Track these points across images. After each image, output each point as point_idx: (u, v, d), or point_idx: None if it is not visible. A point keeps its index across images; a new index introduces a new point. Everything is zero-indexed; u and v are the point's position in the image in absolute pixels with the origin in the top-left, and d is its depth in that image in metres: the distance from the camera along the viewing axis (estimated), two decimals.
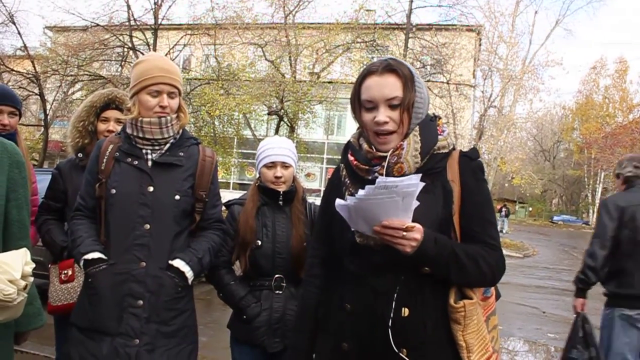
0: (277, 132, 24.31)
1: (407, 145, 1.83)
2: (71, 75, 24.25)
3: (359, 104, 1.91)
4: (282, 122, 24.41)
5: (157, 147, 2.45)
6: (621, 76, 49.21)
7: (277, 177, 2.88)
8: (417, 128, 1.87)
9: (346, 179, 1.97)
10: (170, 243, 2.41)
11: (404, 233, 1.68)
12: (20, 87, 25.17)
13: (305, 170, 30.01)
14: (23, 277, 1.97)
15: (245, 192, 3.11)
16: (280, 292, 2.84)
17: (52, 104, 25.69)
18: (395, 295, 1.79)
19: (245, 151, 28.48)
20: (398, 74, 1.85)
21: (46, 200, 3.09)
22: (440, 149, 1.88)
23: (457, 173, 1.88)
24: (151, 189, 2.39)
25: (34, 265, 2.07)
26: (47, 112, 25.33)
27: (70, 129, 3.10)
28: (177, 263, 2.39)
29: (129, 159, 2.43)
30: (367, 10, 25.11)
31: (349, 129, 27.80)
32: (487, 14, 29.36)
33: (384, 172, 1.81)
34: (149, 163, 2.44)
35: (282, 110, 23.42)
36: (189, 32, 24.90)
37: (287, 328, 2.80)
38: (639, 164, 4.04)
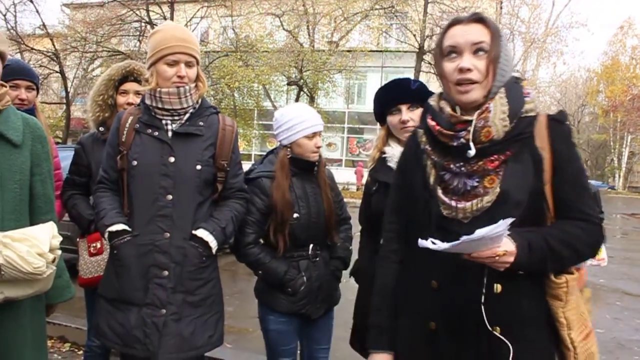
0: (297, 102, 24.24)
1: (494, 108, 1.69)
2: (90, 52, 24.38)
3: (441, 55, 1.78)
4: (301, 92, 24.32)
5: (176, 118, 2.44)
6: None
7: (318, 147, 2.84)
8: (502, 89, 1.73)
9: (426, 146, 1.83)
10: (193, 213, 2.41)
11: (497, 258, 1.59)
12: (40, 66, 25.41)
13: (327, 140, 29.95)
14: (51, 250, 2.01)
15: (257, 160, 3.05)
16: (317, 259, 2.85)
17: (73, 81, 25.91)
18: (487, 269, 1.67)
19: (265, 122, 28.48)
20: (486, 24, 1.73)
21: (71, 175, 3.12)
22: (527, 112, 1.74)
23: (547, 139, 1.72)
24: (172, 159, 2.38)
25: (61, 238, 2.11)
26: (69, 90, 25.57)
27: (90, 103, 3.10)
28: (201, 233, 2.39)
29: (149, 130, 2.43)
30: None
31: (370, 97, 27.67)
32: None
33: (471, 137, 1.69)
34: (169, 133, 2.43)
35: (302, 80, 23.34)
36: (206, 4, 24.77)
37: (327, 293, 2.87)
38: None
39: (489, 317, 1.67)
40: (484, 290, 1.68)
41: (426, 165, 1.82)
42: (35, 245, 1.94)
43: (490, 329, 1.67)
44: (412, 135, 1.98)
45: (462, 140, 1.71)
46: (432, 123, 1.81)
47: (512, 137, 1.70)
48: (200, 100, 2.51)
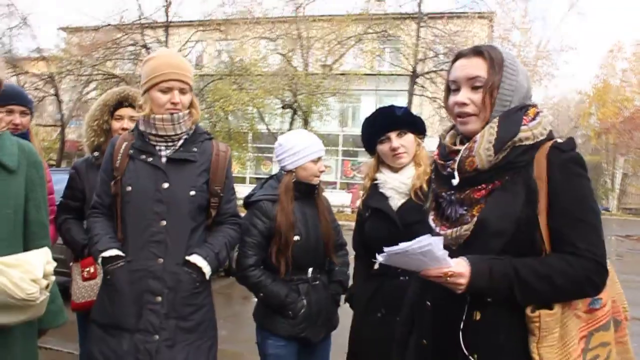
0: (291, 125, 24.33)
1: (480, 138, 1.71)
2: (85, 75, 24.46)
3: (447, 89, 1.86)
4: (295, 116, 24.41)
5: (170, 144, 2.46)
6: (639, 59, 48.49)
7: (321, 171, 2.91)
8: (496, 119, 1.73)
9: (432, 174, 1.94)
10: (187, 239, 2.43)
11: (447, 279, 1.63)
12: (35, 89, 25.46)
13: (322, 159, 29.95)
14: (45, 276, 2.01)
15: (255, 185, 3.10)
16: (317, 283, 2.87)
17: (68, 104, 25.93)
18: (468, 297, 1.70)
19: (260, 145, 28.54)
20: (484, 56, 1.76)
21: (65, 199, 3.13)
22: (523, 141, 1.70)
23: (544, 168, 1.69)
24: (166, 185, 2.40)
25: (55, 264, 2.11)
26: (63, 113, 25.58)
27: (85, 128, 3.13)
28: (194, 258, 2.40)
29: (143, 156, 2.45)
30: (378, 0, 25.02)
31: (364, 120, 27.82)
32: (498, 0, 29.12)
33: (456, 167, 1.73)
34: (163, 160, 2.45)
35: (296, 104, 23.44)
36: (201, 28, 25.02)
37: (326, 317, 2.89)
38: None
39: (467, 343, 1.69)
40: (464, 317, 1.72)
41: (429, 190, 1.94)
42: (29, 271, 1.93)
43: (467, 354, 1.69)
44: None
45: (449, 169, 1.77)
46: (435, 152, 1.89)
47: (502, 166, 1.71)
48: (194, 127, 2.54)
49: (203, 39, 25.77)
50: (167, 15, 24.55)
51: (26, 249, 2.16)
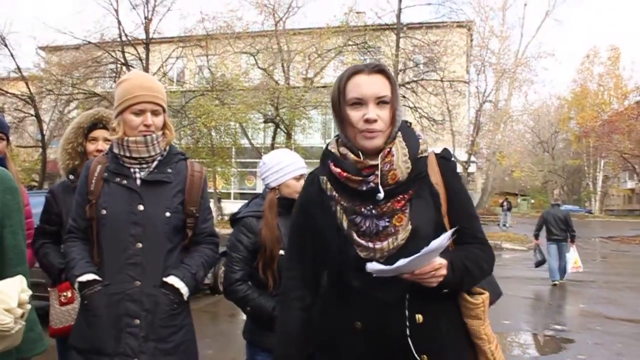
0: (274, 139, 24.37)
1: (396, 151, 1.81)
2: (66, 95, 24.39)
3: (343, 103, 1.84)
4: (278, 129, 24.45)
5: (144, 165, 2.46)
6: (614, 63, 49.27)
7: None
8: (399, 133, 1.86)
9: (333, 192, 1.87)
10: (164, 260, 2.42)
11: (433, 273, 1.69)
12: (15, 109, 25.30)
13: (305, 176, 29.95)
14: (20, 305, 1.96)
15: (244, 202, 3.15)
16: None
17: (49, 124, 25.78)
18: (407, 303, 1.79)
19: (243, 160, 28.52)
20: (386, 75, 1.84)
21: (41, 224, 3.10)
22: (422, 153, 1.87)
23: (439, 175, 1.89)
24: (141, 207, 2.39)
25: (30, 292, 2.07)
26: (44, 133, 25.41)
27: (59, 151, 3.11)
28: (172, 280, 2.40)
29: (118, 179, 2.44)
30: (357, 13, 25.26)
31: None
32: (477, 9, 29.62)
33: (379, 181, 1.77)
34: (138, 182, 2.44)
35: (278, 118, 23.49)
36: (181, 44, 25.01)
37: None
38: None
39: (415, 347, 1.77)
40: (407, 323, 1.78)
41: (336, 211, 1.86)
42: (2, 301, 1.90)
43: (418, 358, 1.77)
44: (312, 181, 2.02)
45: (371, 184, 1.78)
46: (337, 170, 1.85)
47: (414, 177, 1.81)
48: (168, 147, 2.54)
49: (184, 55, 25.79)
50: (147, 33, 24.54)
51: (2, 275, 2.13)
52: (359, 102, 1.81)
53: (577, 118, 49.13)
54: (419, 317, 1.79)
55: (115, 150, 2.47)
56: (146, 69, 23.94)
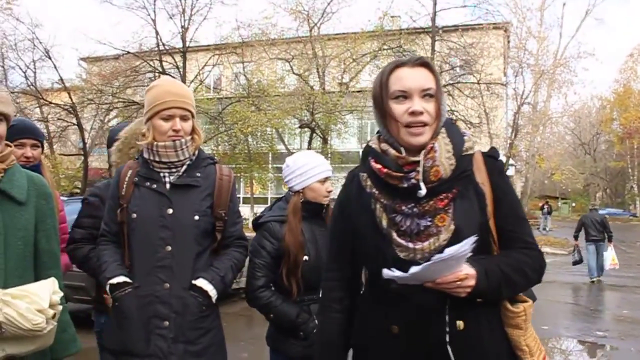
0: (310, 144, 24.42)
1: (439, 147, 1.73)
2: (106, 104, 24.93)
3: (386, 97, 1.78)
4: (314, 134, 24.50)
5: (174, 170, 2.50)
6: None
7: (329, 191, 2.91)
8: (443, 129, 1.79)
9: (373, 189, 1.81)
10: (193, 263, 2.45)
11: (459, 283, 1.62)
12: (58, 119, 26.01)
13: (342, 181, 29.99)
14: (51, 306, 2.03)
15: (266, 206, 3.12)
16: None
17: (90, 132, 26.38)
18: (448, 308, 1.70)
19: (280, 165, 28.45)
20: (430, 68, 1.79)
21: (86, 229, 3.01)
22: (467, 150, 1.79)
23: (485, 174, 1.80)
24: (170, 211, 2.43)
25: (61, 294, 2.14)
26: (86, 141, 26.03)
27: (118, 154, 3.04)
28: (200, 282, 2.43)
29: (148, 183, 2.49)
30: (392, 17, 25.13)
31: None
32: (513, 10, 29.13)
33: (421, 177, 1.70)
34: (167, 186, 2.48)
35: (314, 123, 23.54)
36: (217, 52, 25.29)
37: None
38: None
39: (455, 355, 1.69)
40: (447, 329, 1.70)
41: (375, 209, 1.80)
42: (34, 302, 1.97)
43: None
44: (352, 179, 1.96)
45: (413, 181, 1.71)
46: (377, 166, 1.79)
47: (458, 175, 1.74)
48: (197, 152, 2.57)
49: (220, 63, 26.07)
50: (183, 41, 24.94)
51: (37, 278, 2.20)
52: (404, 95, 1.75)
53: (620, 119, 47.96)
54: (460, 324, 1.70)
55: (146, 155, 2.52)
56: (183, 77, 24.35)
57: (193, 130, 2.54)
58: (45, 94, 26.16)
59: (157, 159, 2.48)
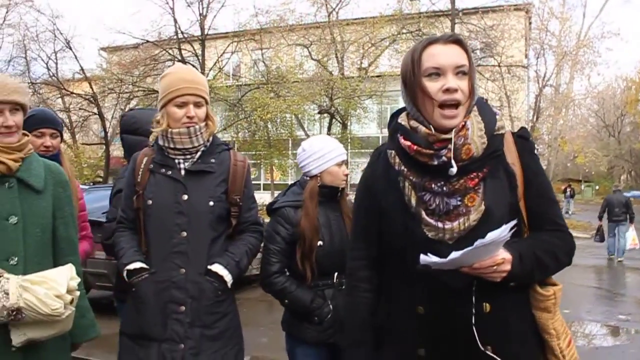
0: (329, 130, 24.39)
1: (471, 125, 1.70)
2: (127, 92, 25.10)
3: (418, 74, 1.72)
4: (333, 120, 24.47)
5: (188, 156, 2.52)
6: None
7: (346, 175, 2.91)
8: (474, 107, 1.75)
9: (402, 167, 1.76)
10: (208, 248, 2.47)
11: (495, 267, 1.60)
12: (80, 109, 26.29)
13: (362, 166, 30.00)
14: (69, 291, 2.08)
15: (280, 192, 3.11)
16: (343, 287, 2.79)
17: (111, 121, 26.63)
18: (474, 290, 1.67)
19: None
20: (463, 45, 1.74)
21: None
22: (499, 130, 1.75)
23: (516, 155, 1.77)
24: (185, 197, 2.45)
25: (79, 279, 2.19)
26: (107, 130, 26.30)
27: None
28: (216, 268, 2.45)
29: (163, 170, 2.51)
30: (411, 0, 24.87)
31: None
32: None
33: (452, 155, 1.66)
34: (182, 172, 2.50)
35: (333, 108, 23.49)
36: (236, 39, 25.30)
37: None
38: None
39: (481, 337, 1.66)
40: (473, 311, 1.68)
41: (404, 187, 1.76)
42: (53, 288, 2.01)
43: (482, 349, 1.66)
44: (378, 157, 1.92)
45: (444, 158, 1.68)
46: (407, 143, 1.74)
47: (489, 154, 1.70)
48: (211, 138, 2.59)
49: (239, 50, 26.09)
50: (202, 29, 24.99)
51: (56, 264, 2.25)
52: (437, 73, 1.70)
53: None
54: (487, 306, 1.68)
55: (160, 142, 2.54)
56: (202, 65, 24.44)
57: (207, 117, 2.54)
58: (66, 84, 26.46)
59: (171, 145, 2.50)
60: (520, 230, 1.75)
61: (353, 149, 24.29)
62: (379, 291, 1.92)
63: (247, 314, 6.46)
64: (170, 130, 2.48)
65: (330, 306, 2.78)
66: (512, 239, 1.63)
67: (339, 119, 24.37)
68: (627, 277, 11.61)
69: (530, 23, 28.03)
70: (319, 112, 24.96)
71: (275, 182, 27.41)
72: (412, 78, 1.74)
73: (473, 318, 1.67)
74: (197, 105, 2.49)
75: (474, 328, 1.67)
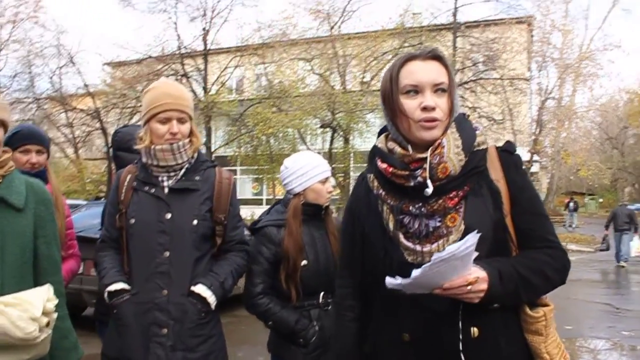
0: (331, 144, 24.36)
1: (447, 143, 1.64)
2: (129, 107, 25.16)
3: (396, 92, 1.69)
4: (335, 134, 24.45)
5: (172, 174, 2.46)
6: None
7: (330, 192, 2.85)
8: (452, 124, 1.69)
9: (380, 190, 1.74)
10: (192, 269, 2.41)
11: (469, 287, 1.52)
12: (83, 124, 26.39)
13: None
14: (45, 313, 2.00)
15: (264, 211, 3.05)
16: (328, 308, 2.76)
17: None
18: (461, 314, 1.61)
19: None
20: (443, 62, 1.70)
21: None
22: (479, 145, 1.70)
23: (500, 170, 1.71)
24: (169, 215, 2.40)
25: (56, 301, 2.11)
26: (110, 146, 26.33)
27: None
28: (199, 289, 2.38)
29: (146, 188, 2.45)
30: (413, 14, 24.94)
31: None
32: (537, 3, 28.65)
33: (427, 174, 1.62)
34: (165, 190, 2.45)
35: (335, 122, 23.47)
36: (239, 53, 25.41)
37: None
38: None
39: None
40: (460, 337, 1.60)
41: (382, 210, 1.73)
42: (27, 310, 1.93)
43: None
44: (362, 181, 1.88)
45: (419, 179, 1.63)
46: (383, 165, 1.72)
47: (468, 171, 1.65)
48: (196, 155, 2.53)
49: (241, 64, 26.16)
50: (205, 44, 25.10)
51: (37, 284, 2.18)
52: (415, 90, 1.67)
53: None
54: (475, 331, 1.61)
55: (144, 159, 2.49)
56: (205, 80, 24.50)
57: (191, 133, 2.49)
58: (70, 99, 26.58)
59: (155, 162, 2.44)
60: (508, 250, 1.68)
61: (355, 164, 24.24)
62: (366, 319, 1.88)
63: (246, 332, 6.20)
64: (153, 147, 2.43)
65: (316, 327, 2.71)
66: (494, 258, 1.59)
67: (341, 133, 24.34)
68: (632, 291, 11.47)
69: (532, 36, 28.06)
70: (321, 127, 24.91)
71: (277, 197, 27.35)
72: (390, 96, 1.71)
73: (460, 344, 1.60)
74: (181, 121, 2.44)
75: (461, 355, 1.60)
